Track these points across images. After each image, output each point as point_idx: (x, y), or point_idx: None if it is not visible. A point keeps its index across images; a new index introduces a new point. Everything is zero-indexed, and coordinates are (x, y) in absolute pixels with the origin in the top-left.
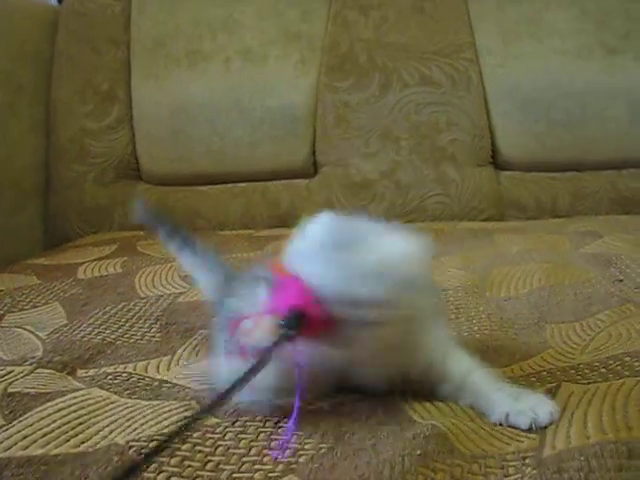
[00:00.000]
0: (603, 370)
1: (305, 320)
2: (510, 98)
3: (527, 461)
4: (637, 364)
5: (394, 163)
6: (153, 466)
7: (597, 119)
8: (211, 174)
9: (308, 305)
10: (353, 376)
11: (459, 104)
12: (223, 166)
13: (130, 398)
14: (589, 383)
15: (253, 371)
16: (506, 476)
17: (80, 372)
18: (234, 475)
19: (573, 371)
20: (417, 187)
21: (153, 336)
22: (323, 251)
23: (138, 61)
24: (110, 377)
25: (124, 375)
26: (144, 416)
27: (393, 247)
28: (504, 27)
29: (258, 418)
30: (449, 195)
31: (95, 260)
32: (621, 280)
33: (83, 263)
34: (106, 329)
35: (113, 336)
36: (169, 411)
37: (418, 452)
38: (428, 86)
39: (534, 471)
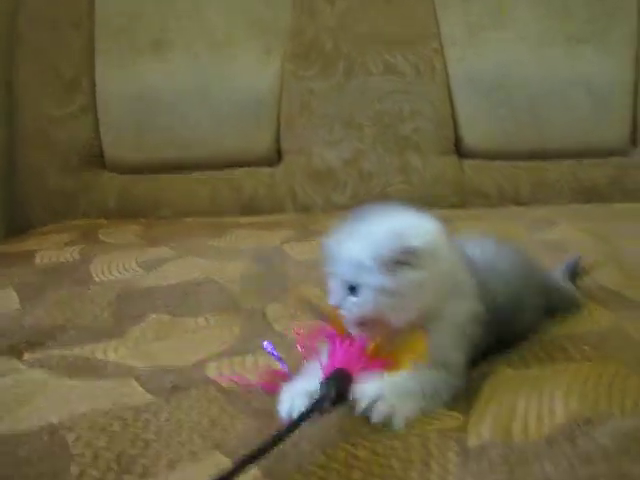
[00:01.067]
0: (541, 354)
1: (348, 384)
2: (474, 87)
3: (450, 443)
4: (571, 348)
5: (357, 151)
6: (82, 442)
7: (559, 108)
8: (176, 162)
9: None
10: None
11: (423, 93)
12: (188, 154)
13: (70, 379)
14: (523, 365)
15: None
16: (428, 455)
17: (27, 355)
18: (162, 452)
19: (514, 355)
20: (380, 175)
21: (105, 320)
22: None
23: (102, 48)
24: (56, 359)
25: (70, 357)
26: (80, 395)
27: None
28: (469, 16)
29: (193, 395)
30: (412, 183)
31: (55, 247)
32: None
33: (41, 250)
34: (57, 313)
35: (64, 319)
36: (105, 390)
37: (337, 429)
38: (392, 75)
39: (457, 457)
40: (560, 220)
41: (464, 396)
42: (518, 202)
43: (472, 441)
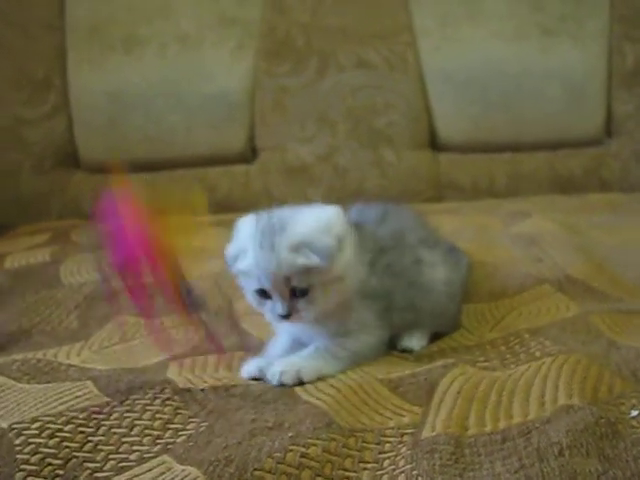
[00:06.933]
0: (502, 348)
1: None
2: (447, 80)
3: (404, 438)
4: (533, 343)
5: (331, 147)
6: (30, 447)
7: (533, 100)
8: (149, 161)
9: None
10: None
11: (396, 87)
12: (161, 153)
13: (28, 383)
14: (485, 363)
15: None
16: (381, 452)
17: None
18: (110, 456)
19: (477, 350)
20: (355, 170)
21: (71, 323)
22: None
23: (74, 47)
24: (18, 364)
25: (32, 362)
26: (35, 399)
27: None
28: (441, 9)
29: (148, 396)
30: (387, 177)
31: (25, 249)
32: (541, 260)
33: (12, 253)
34: (23, 317)
35: (30, 324)
36: (60, 392)
37: (290, 435)
38: (365, 69)
39: (408, 451)
40: (534, 212)
41: (426, 391)
42: (494, 194)
43: (426, 434)
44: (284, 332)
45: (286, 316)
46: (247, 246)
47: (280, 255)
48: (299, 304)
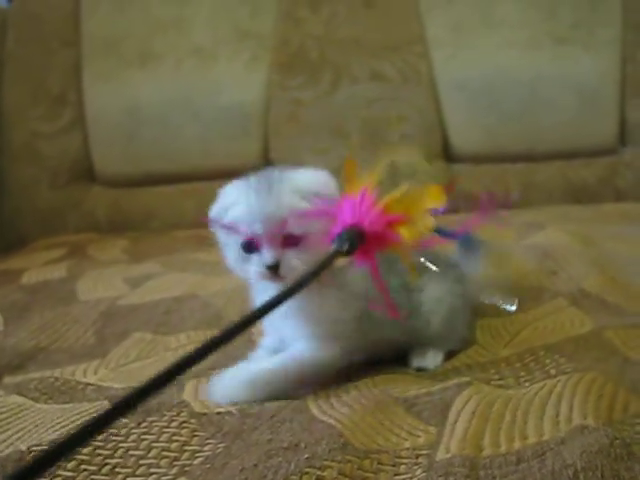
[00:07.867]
0: (517, 365)
1: (361, 238)
2: (460, 90)
3: (419, 460)
4: (548, 361)
5: (345, 159)
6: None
7: (547, 109)
8: (164, 174)
9: (365, 222)
10: None
11: (409, 98)
12: (176, 166)
13: (46, 403)
14: (500, 382)
15: (304, 282)
16: (396, 475)
17: (7, 379)
18: (128, 479)
19: (491, 367)
20: None
21: (87, 340)
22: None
23: (89, 62)
24: (35, 382)
25: (50, 380)
26: (52, 420)
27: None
28: (454, 19)
29: (165, 418)
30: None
31: (42, 265)
32: (555, 272)
33: (29, 268)
34: (40, 334)
35: (47, 341)
36: (78, 413)
37: (306, 456)
38: (378, 81)
39: (423, 474)
40: (548, 223)
41: (441, 410)
42: (508, 205)
43: (440, 456)
44: (265, 344)
45: (274, 267)
46: (238, 199)
47: (281, 198)
48: (289, 253)
